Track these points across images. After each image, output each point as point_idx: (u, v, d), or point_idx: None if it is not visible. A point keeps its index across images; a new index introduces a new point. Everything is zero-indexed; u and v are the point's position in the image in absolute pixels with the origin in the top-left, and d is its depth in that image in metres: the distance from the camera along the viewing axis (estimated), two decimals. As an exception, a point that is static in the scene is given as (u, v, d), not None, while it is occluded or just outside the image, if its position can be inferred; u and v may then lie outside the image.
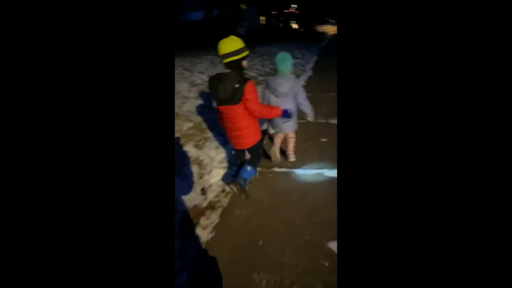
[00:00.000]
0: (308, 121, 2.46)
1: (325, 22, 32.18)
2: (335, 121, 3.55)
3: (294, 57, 9.62)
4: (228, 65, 1.63)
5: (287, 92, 2.12)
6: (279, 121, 2.25)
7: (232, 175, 2.15)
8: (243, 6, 15.66)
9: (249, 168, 1.99)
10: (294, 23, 20.76)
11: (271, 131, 2.76)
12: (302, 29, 18.38)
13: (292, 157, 2.56)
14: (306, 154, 2.74)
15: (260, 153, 2.06)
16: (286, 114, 1.94)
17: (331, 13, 30.40)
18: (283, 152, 2.65)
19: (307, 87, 5.60)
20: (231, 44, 1.60)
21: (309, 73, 6.99)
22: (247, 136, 1.84)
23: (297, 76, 6.54)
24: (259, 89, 3.81)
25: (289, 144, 2.53)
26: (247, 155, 2.16)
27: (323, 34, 20.00)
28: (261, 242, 1.67)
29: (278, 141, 2.50)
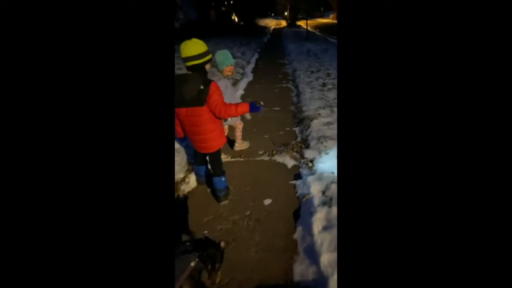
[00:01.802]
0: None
1: (266, 16, 31.75)
2: (282, 159, 2.53)
3: (234, 56, 8.57)
4: (190, 68, 1.59)
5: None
6: None
7: (204, 174, 2.15)
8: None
9: (223, 179, 1.95)
10: (234, 16, 19.55)
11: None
12: (242, 23, 17.27)
13: (238, 146, 2.72)
14: (239, 253, 1.64)
15: (220, 158, 1.93)
16: (254, 108, 1.70)
17: (271, 6, 30.02)
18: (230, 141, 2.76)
19: (247, 98, 4.52)
20: (193, 48, 1.55)
21: (249, 77, 5.92)
22: (212, 140, 1.75)
23: (235, 81, 5.43)
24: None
25: (235, 132, 2.64)
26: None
27: (265, 28, 19.26)
28: None
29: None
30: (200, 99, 1.54)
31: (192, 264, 1.10)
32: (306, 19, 14.02)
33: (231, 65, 2.23)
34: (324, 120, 3.16)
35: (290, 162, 2.48)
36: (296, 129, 3.19)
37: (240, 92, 4.81)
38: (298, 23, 22.38)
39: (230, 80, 2.41)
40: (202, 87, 1.53)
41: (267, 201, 1.97)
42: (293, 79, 5.45)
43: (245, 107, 1.66)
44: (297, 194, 2.02)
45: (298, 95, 4.46)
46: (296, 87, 4.89)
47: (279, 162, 2.51)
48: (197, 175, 2.19)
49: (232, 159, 2.61)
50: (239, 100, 2.30)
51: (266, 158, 2.60)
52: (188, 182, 2.25)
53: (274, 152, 2.68)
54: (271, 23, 25.82)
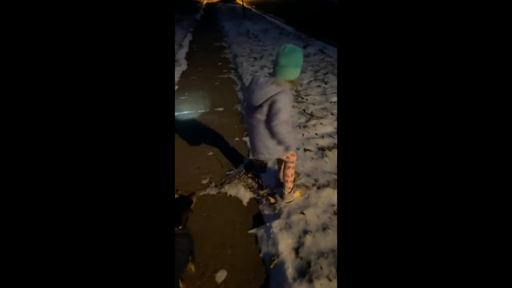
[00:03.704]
0: None
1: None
2: (235, 191, 1.93)
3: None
4: None
5: (260, 99, 1.34)
6: (251, 141, 1.53)
7: None
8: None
9: None
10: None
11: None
12: (170, -4, 15.17)
13: (288, 196, 1.71)
14: None
15: None
16: None
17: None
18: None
19: (182, 95, 3.68)
20: None
21: (183, 65, 4.98)
22: None
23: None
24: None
25: (285, 170, 1.68)
26: None
27: (197, 3, 17.42)
28: None
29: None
30: None
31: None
32: (242, -5, 13.03)
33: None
34: (278, 126, 2.64)
35: (245, 195, 1.90)
36: (247, 140, 2.61)
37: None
38: (233, -2, 21.03)
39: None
40: None
41: (221, 275, 1.37)
42: (235, 68, 4.75)
43: None
44: (261, 255, 1.47)
45: (243, 89, 3.83)
46: (240, 78, 4.23)
47: (231, 196, 1.90)
48: None
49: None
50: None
51: (213, 190, 1.96)
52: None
53: (223, 180, 2.06)
54: (204, -4, 23.64)
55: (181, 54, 5.63)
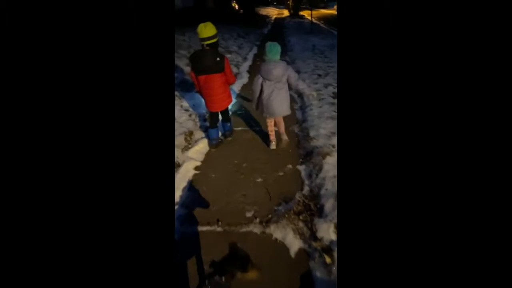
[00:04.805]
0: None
1: (268, 4, 30.25)
2: (282, 235, 1.61)
3: (228, 50, 7.52)
4: (209, 45, 2.24)
5: (280, 75, 2.20)
6: (273, 106, 2.29)
7: (215, 140, 2.63)
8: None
9: (228, 124, 2.74)
10: (234, 3, 18.13)
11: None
12: (242, 11, 15.96)
13: (285, 140, 2.56)
14: None
15: (228, 112, 2.70)
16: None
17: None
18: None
19: (239, 110, 3.56)
20: (212, 30, 2.23)
21: (245, 78, 4.94)
22: (224, 99, 2.44)
23: (227, 84, 4.44)
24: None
25: (279, 126, 2.53)
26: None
27: (266, 18, 17.95)
28: None
29: (271, 127, 2.53)
30: (217, 68, 2.26)
31: None
32: (311, 10, 12.90)
33: None
34: (341, 158, 2.24)
35: (294, 243, 1.56)
36: (302, 169, 2.27)
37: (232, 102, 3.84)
38: (301, 13, 21.13)
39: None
40: (218, 59, 2.24)
41: None
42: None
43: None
44: (307, 339, 1.12)
45: (303, 108, 3.53)
46: (300, 96, 3.94)
47: (276, 241, 1.59)
48: (210, 139, 2.63)
49: (205, 227, 1.69)
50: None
51: (256, 228, 1.68)
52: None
53: (270, 216, 1.76)
54: (273, 12, 24.38)
55: (244, 67, 5.64)
